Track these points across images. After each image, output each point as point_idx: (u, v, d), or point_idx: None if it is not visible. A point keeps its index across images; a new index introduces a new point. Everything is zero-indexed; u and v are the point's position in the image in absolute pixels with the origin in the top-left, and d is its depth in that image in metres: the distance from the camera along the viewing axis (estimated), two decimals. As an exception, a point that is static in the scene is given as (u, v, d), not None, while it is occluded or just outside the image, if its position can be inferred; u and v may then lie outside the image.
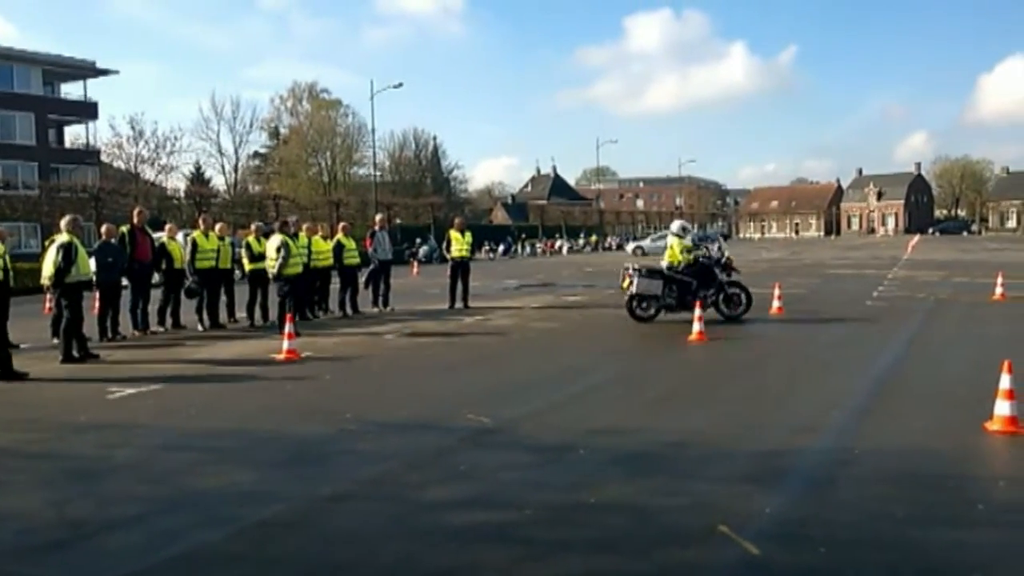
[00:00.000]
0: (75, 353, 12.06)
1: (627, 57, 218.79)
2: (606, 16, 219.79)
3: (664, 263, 15.54)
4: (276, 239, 15.91)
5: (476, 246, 32.49)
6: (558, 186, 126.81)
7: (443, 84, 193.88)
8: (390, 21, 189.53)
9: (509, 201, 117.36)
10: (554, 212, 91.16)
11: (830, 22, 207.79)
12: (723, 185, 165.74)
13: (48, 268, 12.21)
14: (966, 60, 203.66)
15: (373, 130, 67.31)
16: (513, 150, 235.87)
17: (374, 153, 68.81)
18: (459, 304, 18.95)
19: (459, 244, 19.19)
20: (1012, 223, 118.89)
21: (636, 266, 15.57)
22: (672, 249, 15.50)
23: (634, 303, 15.27)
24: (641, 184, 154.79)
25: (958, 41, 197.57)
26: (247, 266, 16.43)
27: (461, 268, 19.22)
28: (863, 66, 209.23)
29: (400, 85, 56.80)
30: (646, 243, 59.97)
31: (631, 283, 15.11)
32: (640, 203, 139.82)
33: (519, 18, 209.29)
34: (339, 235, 18.50)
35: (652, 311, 15.22)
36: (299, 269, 16.18)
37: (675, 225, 16.29)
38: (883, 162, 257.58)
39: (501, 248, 61.85)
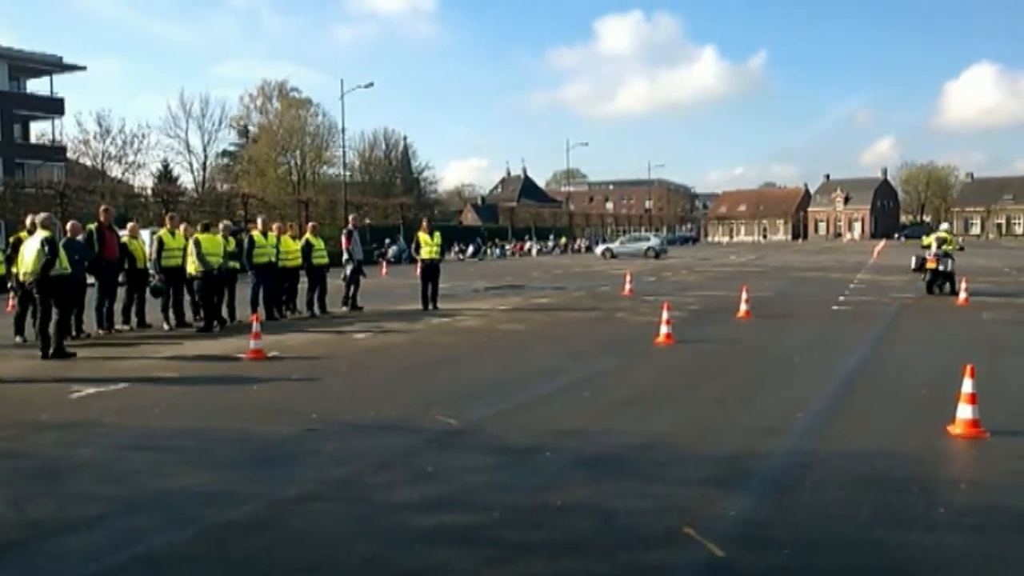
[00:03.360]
0: (63, 349, 11.95)
1: (598, 59, 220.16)
2: (578, 18, 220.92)
3: (933, 249, 19.82)
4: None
5: (446, 247, 32.37)
6: (528, 188, 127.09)
7: (414, 84, 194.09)
8: (360, 20, 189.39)
9: (479, 202, 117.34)
10: (524, 214, 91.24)
11: (800, 28, 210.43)
12: (692, 188, 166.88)
13: (33, 263, 11.98)
14: (933, 67, 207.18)
15: (343, 129, 66.53)
16: (483, 151, 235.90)
17: (344, 153, 68.21)
18: (428, 305, 18.86)
19: (428, 246, 19.05)
20: (976, 229, 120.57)
21: (937, 252, 19.52)
22: (951, 241, 19.91)
23: (937, 281, 19.77)
24: (611, 187, 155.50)
25: (925, 48, 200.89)
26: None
27: (431, 270, 19.11)
28: (831, 72, 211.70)
29: (371, 85, 56.56)
30: (615, 245, 60.15)
31: (939, 264, 19.38)
32: (610, 205, 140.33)
33: (490, 19, 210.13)
34: (308, 235, 18.41)
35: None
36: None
37: (945, 225, 21.19)
38: (850, 167, 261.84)
39: (471, 249, 61.80)
